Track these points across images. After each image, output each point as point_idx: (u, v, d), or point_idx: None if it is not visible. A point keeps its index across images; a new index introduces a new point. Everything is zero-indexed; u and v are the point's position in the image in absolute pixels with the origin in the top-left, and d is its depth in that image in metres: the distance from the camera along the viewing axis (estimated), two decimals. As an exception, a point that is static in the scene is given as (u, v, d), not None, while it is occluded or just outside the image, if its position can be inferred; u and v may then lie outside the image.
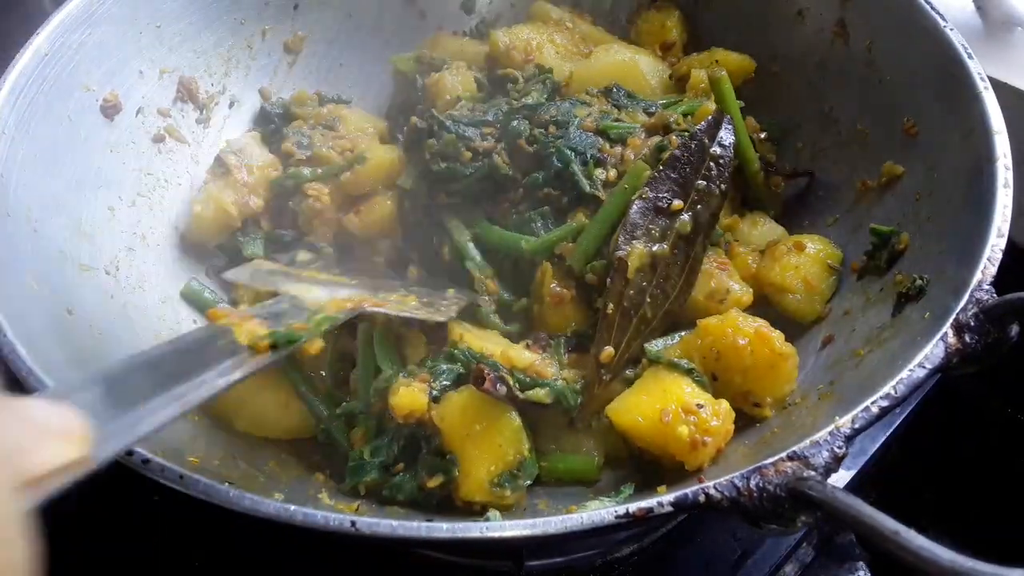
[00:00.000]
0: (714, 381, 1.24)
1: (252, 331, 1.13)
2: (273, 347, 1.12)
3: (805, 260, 1.41)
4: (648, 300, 1.29)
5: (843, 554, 1.66)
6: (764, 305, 1.41)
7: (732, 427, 1.19)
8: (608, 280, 1.29)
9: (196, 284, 1.52)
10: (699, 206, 1.33)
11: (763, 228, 1.54)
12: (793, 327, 1.38)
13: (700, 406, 1.16)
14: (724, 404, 1.19)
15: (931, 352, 1.03)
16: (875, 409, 0.99)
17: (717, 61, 1.67)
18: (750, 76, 1.69)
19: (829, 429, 0.97)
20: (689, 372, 1.23)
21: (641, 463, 1.24)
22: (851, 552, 1.66)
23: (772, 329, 1.24)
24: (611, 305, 1.28)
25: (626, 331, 1.28)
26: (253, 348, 1.10)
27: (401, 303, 1.38)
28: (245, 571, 1.51)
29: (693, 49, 1.79)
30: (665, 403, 1.17)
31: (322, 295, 1.33)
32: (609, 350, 1.27)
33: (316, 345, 1.21)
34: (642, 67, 1.67)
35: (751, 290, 1.39)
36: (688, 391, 1.20)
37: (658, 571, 1.51)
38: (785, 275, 1.40)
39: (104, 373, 0.92)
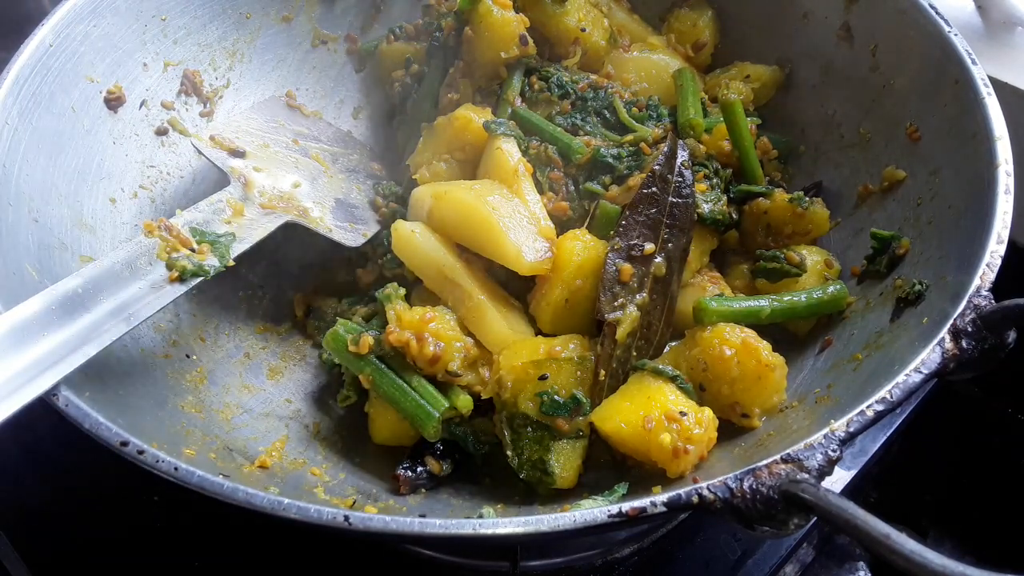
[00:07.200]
0: (702, 392, 1.23)
1: (174, 247, 1.24)
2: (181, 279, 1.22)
3: (804, 276, 1.40)
4: (634, 354, 1.29)
5: (843, 554, 1.67)
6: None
7: (715, 435, 1.18)
8: (599, 345, 1.27)
9: None
10: (670, 244, 1.32)
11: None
12: (791, 331, 1.38)
13: (683, 414, 1.15)
14: (707, 412, 1.18)
15: (927, 357, 1.03)
16: (870, 413, 0.99)
17: (748, 76, 1.67)
18: (781, 85, 1.68)
19: (824, 432, 0.97)
20: (673, 379, 1.22)
21: (623, 467, 1.23)
22: (851, 552, 1.67)
23: (759, 340, 1.22)
24: (603, 372, 1.26)
25: (615, 390, 1.26)
26: (169, 267, 1.22)
27: (319, 222, 1.49)
28: (245, 572, 1.51)
29: (724, 50, 1.77)
30: (648, 410, 1.16)
31: (265, 184, 1.46)
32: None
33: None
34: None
35: None
36: (672, 398, 1.18)
37: (658, 571, 1.51)
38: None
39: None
